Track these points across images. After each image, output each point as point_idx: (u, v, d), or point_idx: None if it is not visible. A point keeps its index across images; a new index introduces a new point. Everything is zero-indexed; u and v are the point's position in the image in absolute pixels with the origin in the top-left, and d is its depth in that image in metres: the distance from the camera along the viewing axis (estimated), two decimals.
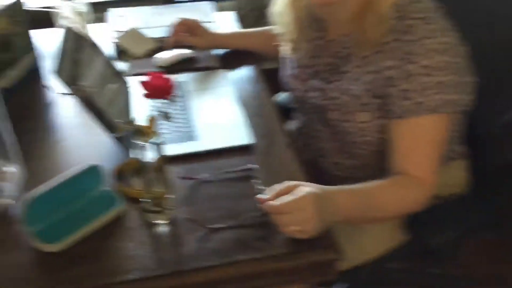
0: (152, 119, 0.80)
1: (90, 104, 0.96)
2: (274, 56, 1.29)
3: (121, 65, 1.36)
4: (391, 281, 1.23)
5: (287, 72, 1.21)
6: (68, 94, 0.93)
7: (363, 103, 1.04)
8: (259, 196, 0.86)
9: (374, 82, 1.01)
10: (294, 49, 1.18)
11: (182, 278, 0.82)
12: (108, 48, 1.44)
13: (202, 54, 1.40)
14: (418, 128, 0.99)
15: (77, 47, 1.07)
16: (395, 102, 0.99)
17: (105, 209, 0.91)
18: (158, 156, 0.84)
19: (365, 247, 1.13)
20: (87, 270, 0.83)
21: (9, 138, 0.96)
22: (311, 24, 1.14)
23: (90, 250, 0.86)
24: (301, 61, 1.17)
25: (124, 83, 1.22)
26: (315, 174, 1.25)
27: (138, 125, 0.79)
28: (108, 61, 1.20)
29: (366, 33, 1.00)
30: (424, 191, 1.00)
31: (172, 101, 0.83)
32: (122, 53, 1.42)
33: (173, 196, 0.91)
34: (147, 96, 0.76)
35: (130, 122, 0.80)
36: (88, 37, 1.16)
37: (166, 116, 0.80)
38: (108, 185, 0.96)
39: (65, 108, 1.21)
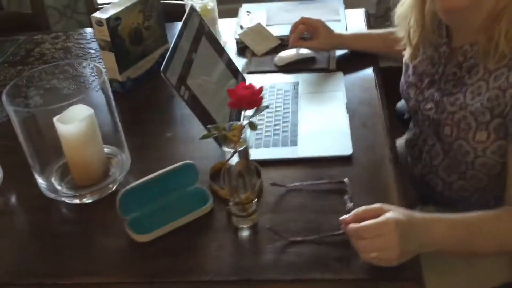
0: (237, 127, 0.80)
1: (194, 104, 0.99)
2: (397, 60, 1.22)
3: (241, 62, 1.40)
4: None
5: (404, 78, 1.14)
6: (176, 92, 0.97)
7: (482, 122, 0.94)
8: (342, 217, 0.83)
9: (498, 99, 0.90)
10: (414, 55, 1.10)
11: None
12: (231, 43, 1.49)
13: (321, 55, 1.37)
14: None
15: (193, 40, 1.11)
16: None
17: (196, 206, 0.94)
18: (244, 162, 0.84)
19: (472, 280, 1.03)
20: (167, 264, 0.87)
21: (121, 127, 1.04)
22: (435, 29, 1.05)
23: (175, 245, 0.90)
24: (419, 68, 1.09)
25: (236, 79, 1.25)
26: (424, 192, 1.18)
27: (224, 132, 0.80)
28: (227, 57, 1.24)
29: (496, 43, 0.90)
30: None
31: (261, 111, 0.81)
32: (243, 50, 1.45)
33: (255, 203, 0.91)
34: (231, 105, 0.76)
35: (218, 127, 0.81)
36: (209, 31, 1.20)
37: (251, 126, 0.79)
38: (202, 183, 0.98)
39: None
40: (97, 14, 1.25)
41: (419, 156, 1.14)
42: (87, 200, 1.00)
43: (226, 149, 0.82)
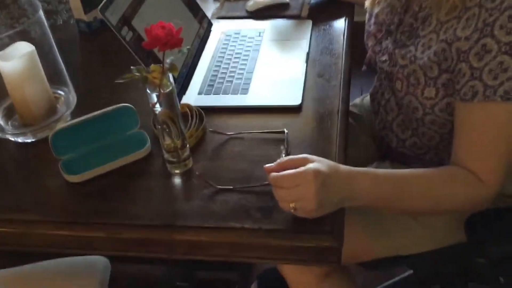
0: (156, 69, 0.77)
1: (137, 46, 0.97)
2: None
3: (214, 6, 1.36)
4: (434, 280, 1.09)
5: (366, 27, 1.09)
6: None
7: (430, 77, 0.89)
8: (267, 166, 0.80)
9: (444, 54, 0.85)
10: (375, 2, 1.04)
11: (172, 234, 0.81)
12: None
13: (296, 2, 1.32)
14: (486, 115, 0.83)
15: None
16: (464, 80, 0.83)
17: (132, 150, 0.93)
18: (167, 109, 0.82)
19: (417, 238, 1.01)
20: (93, 206, 0.87)
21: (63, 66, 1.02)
22: None
23: (105, 187, 0.90)
24: (379, 17, 1.03)
25: (200, 24, 1.21)
26: (381, 147, 1.14)
27: (144, 74, 0.77)
28: (191, 0, 1.20)
29: None
30: (481, 191, 0.84)
31: (182, 53, 0.78)
32: None
33: (188, 149, 0.89)
34: (146, 45, 0.73)
35: (140, 69, 0.78)
36: None
37: (172, 68, 0.77)
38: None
39: None
40: None
41: (378, 110, 1.10)
42: (28, 140, 0.99)
43: (149, 92, 0.80)
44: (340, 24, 1.24)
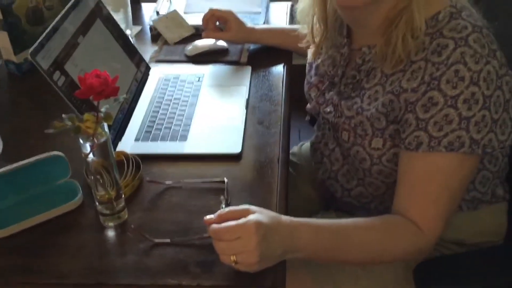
0: (89, 118, 0.74)
1: (70, 91, 0.92)
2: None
3: (153, 50, 1.34)
4: None
5: (307, 79, 1.09)
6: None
7: (378, 128, 0.90)
8: (207, 217, 0.78)
9: (392, 105, 0.86)
10: (317, 54, 1.05)
11: None
12: (145, 30, 1.42)
13: (235, 47, 1.32)
14: (430, 165, 0.84)
15: (83, 22, 1.04)
16: (409, 130, 0.84)
17: (63, 201, 0.88)
18: (101, 159, 0.78)
19: (360, 283, 0.99)
20: (16, 264, 0.80)
21: None
22: (337, 28, 1.01)
23: (32, 243, 0.83)
24: (321, 68, 1.04)
25: (138, 68, 1.18)
26: (325, 197, 1.13)
27: (77, 123, 0.73)
28: (128, 44, 1.17)
29: (394, 47, 0.85)
30: (420, 241, 0.85)
31: (119, 102, 0.75)
32: (157, 37, 1.39)
33: (123, 200, 0.85)
34: (78, 94, 0.70)
35: (72, 118, 0.74)
36: (108, 14, 1.13)
37: (106, 117, 0.73)
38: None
39: None
40: None
41: (321, 160, 1.10)
42: None
43: (82, 141, 0.76)
44: (279, 70, 1.25)
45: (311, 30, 1.03)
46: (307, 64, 1.10)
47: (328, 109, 1.00)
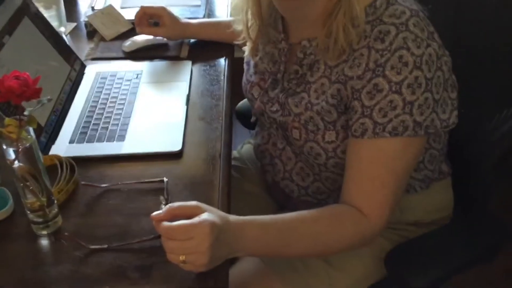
0: (12, 123, 0.69)
1: None
2: None
3: (88, 47, 1.29)
4: None
5: (246, 77, 1.05)
6: None
7: (329, 121, 0.88)
8: (155, 213, 0.74)
9: (340, 94, 0.85)
10: (253, 50, 1.02)
11: None
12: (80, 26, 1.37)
13: (175, 42, 1.29)
14: (375, 151, 0.83)
15: (9, 21, 0.99)
16: (355, 117, 0.83)
17: None
18: (32, 162, 0.74)
19: (334, 282, 0.97)
20: None
21: None
22: (272, 23, 0.98)
23: None
24: (260, 66, 1.00)
25: (72, 66, 1.13)
26: (279, 198, 1.11)
27: None
28: (59, 42, 1.12)
29: (335, 38, 0.83)
30: (366, 228, 0.84)
31: (41, 104, 0.71)
32: (92, 33, 1.34)
33: (55, 206, 0.81)
34: None
35: None
36: (36, 12, 1.08)
37: (30, 121, 0.69)
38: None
39: None
40: None
41: (270, 161, 1.06)
42: None
43: (5, 147, 0.71)
44: (220, 64, 1.23)
45: (246, 26, 1.00)
46: (244, 63, 1.07)
47: (274, 108, 0.97)
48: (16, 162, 0.73)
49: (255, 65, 1.02)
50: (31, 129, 0.73)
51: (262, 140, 1.08)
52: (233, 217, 0.78)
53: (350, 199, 0.85)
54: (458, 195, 1.04)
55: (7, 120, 0.70)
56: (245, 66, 1.06)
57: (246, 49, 1.04)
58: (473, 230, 1.00)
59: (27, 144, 0.72)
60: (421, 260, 0.94)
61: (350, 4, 0.82)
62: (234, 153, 1.22)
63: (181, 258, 0.71)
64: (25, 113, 0.71)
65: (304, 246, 0.83)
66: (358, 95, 0.82)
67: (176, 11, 1.27)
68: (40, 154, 0.76)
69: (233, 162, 1.12)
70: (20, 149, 0.71)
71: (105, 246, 0.79)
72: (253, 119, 1.11)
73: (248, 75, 1.04)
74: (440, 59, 0.83)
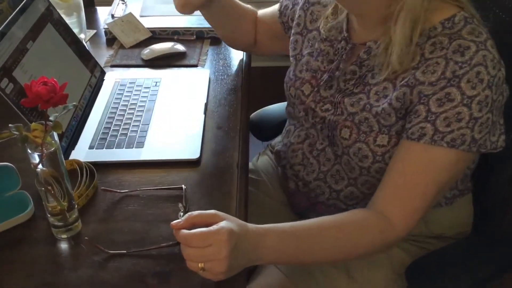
0: (38, 128, 0.71)
1: (18, 99, 0.89)
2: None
3: (108, 54, 1.30)
4: None
5: (295, 73, 1.03)
6: None
7: (385, 125, 0.87)
8: (174, 222, 0.75)
9: (404, 97, 0.84)
10: (301, 46, 1.01)
11: None
12: (100, 33, 1.39)
13: (193, 51, 1.30)
14: (426, 158, 0.83)
15: (33, 27, 1.00)
16: (416, 121, 0.83)
17: (12, 214, 0.84)
18: (56, 166, 0.75)
19: None
20: None
21: None
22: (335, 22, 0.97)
23: None
24: (313, 63, 0.99)
25: (92, 73, 1.15)
26: (302, 206, 1.08)
27: (24, 132, 0.70)
28: (81, 48, 1.14)
29: (405, 46, 0.83)
30: (390, 237, 0.85)
31: (66, 110, 0.72)
32: (112, 41, 1.36)
33: (76, 211, 0.82)
34: (25, 103, 0.67)
35: (19, 127, 0.71)
36: (59, 18, 1.09)
37: (55, 126, 0.70)
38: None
39: None
40: None
41: (302, 161, 1.04)
42: None
43: (30, 151, 0.73)
44: (237, 74, 1.24)
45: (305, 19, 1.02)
46: (290, 57, 1.05)
47: (325, 107, 0.96)
48: (39, 166, 0.74)
49: (307, 62, 1.01)
50: (55, 134, 0.74)
51: (297, 139, 1.05)
52: (252, 226, 0.78)
53: (381, 204, 0.85)
54: (476, 209, 1.03)
55: (33, 124, 0.71)
56: (292, 60, 1.05)
57: (292, 44, 1.04)
58: (493, 245, 0.99)
59: (52, 149, 0.73)
60: (442, 274, 0.94)
61: (413, 7, 0.81)
62: (250, 165, 1.19)
63: (200, 265, 0.72)
64: (50, 118, 0.72)
65: (325, 254, 0.83)
66: (426, 100, 0.82)
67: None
68: (63, 159, 0.77)
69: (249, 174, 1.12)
70: (44, 154, 0.72)
71: (124, 251, 0.79)
72: (292, 117, 1.08)
73: (297, 70, 1.03)
74: (503, 84, 0.83)
